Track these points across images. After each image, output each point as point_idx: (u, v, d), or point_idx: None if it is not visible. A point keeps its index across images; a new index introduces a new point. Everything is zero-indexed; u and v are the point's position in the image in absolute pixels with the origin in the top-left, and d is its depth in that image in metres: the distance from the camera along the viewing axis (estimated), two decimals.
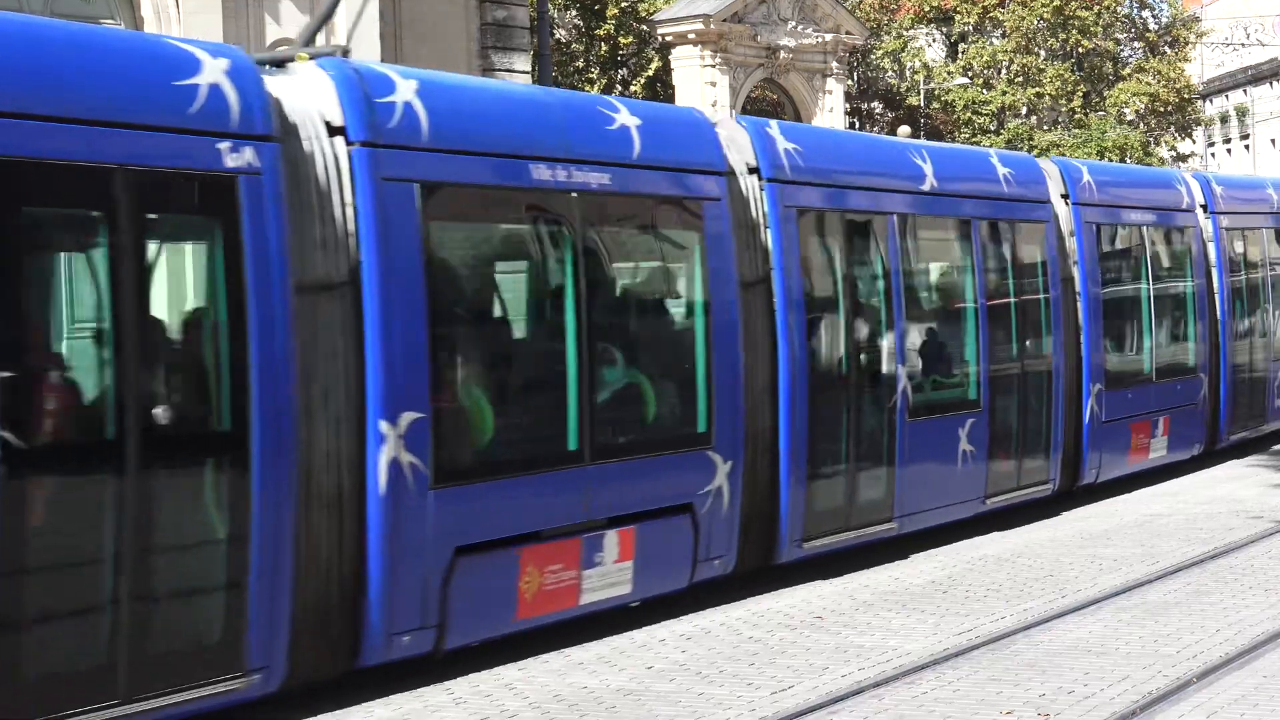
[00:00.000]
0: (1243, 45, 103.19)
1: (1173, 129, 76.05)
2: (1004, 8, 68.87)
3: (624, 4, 49.76)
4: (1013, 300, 17.49)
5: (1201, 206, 22.09)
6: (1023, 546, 15.79)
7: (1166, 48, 75.27)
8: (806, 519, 13.93)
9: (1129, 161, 71.04)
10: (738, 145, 13.87)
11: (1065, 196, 18.82)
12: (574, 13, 51.97)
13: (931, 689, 10.40)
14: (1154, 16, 77.47)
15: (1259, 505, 18.08)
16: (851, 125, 54.72)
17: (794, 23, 43.99)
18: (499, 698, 10.37)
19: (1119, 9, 72.40)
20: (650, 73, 50.34)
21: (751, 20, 43.26)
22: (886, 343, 15.10)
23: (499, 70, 28.94)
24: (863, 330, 15.06)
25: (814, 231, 14.55)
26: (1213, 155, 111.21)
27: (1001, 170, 17.50)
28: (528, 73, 30.09)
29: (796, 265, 13.96)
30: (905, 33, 68.52)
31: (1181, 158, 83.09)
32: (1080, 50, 71.14)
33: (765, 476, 13.53)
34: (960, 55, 72.48)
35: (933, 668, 10.95)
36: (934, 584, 13.97)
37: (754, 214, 13.71)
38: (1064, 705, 9.90)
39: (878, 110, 64.81)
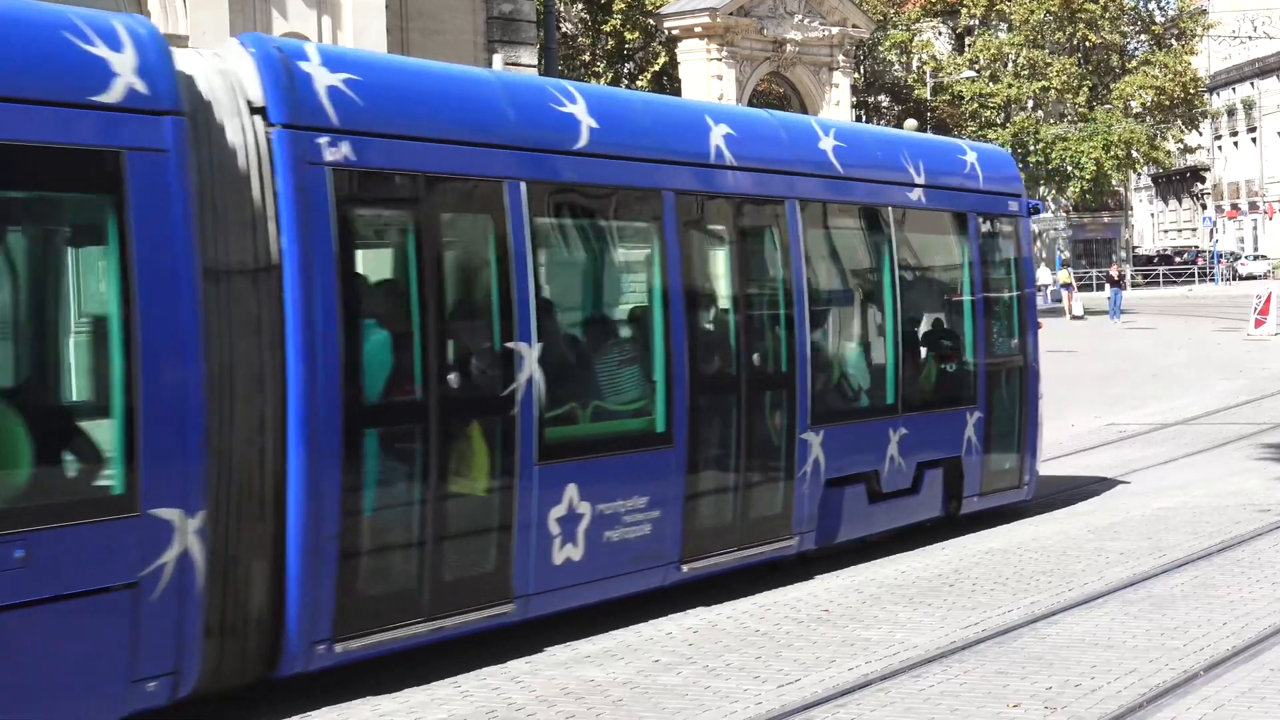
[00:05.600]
0: (1249, 38, 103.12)
1: (1179, 122, 75.91)
2: (1011, 1, 68.78)
3: None
4: None
5: (254, 110, 9.99)
6: (1029, 540, 15.78)
7: (1173, 41, 75.18)
8: None
9: (1136, 157, 71.10)
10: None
11: None
12: (580, 6, 52.00)
13: (938, 682, 10.41)
14: (1160, 9, 77.37)
15: (1266, 498, 18.05)
16: (858, 118, 54.68)
17: (800, 16, 43.97)
18: (505, 690, 10.38)
19: (1126, 2, 72.27)
20: (657, 67, 50.37)
21: (758, 14, 43.26)
22: None
23: (504, 64, 28.95)
24: None
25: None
26: (1219, 148, 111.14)
27: None
28: (534, 66, 30.10)
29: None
30: (912, 26, 68.41)
31: (1188, 150, 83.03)
32: (1087, 44, 71.03)
33: None
34: (967, 48, 72.41)
35: (939, 661, 10.95)
36: (940, 577, 13.97)
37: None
38: (1071, 698, 9.89)
39: (884, 104, 64.76)
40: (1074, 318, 60.84)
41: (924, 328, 16.28)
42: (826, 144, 14.63)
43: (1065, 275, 67.74)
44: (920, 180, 15.73)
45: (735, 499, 13.26)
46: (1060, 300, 65.51)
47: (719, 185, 13.31)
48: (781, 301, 13.79)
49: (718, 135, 13.30)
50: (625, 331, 13.05)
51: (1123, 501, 18.30)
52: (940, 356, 16.30)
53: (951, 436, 16.05)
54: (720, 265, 13.52)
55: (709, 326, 13.29)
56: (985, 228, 16.85)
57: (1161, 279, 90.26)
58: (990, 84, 68.49)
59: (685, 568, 12.78)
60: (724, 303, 13.47)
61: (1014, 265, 17.39)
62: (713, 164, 13.20)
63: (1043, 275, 79.26)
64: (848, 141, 15.03)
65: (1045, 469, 21.16)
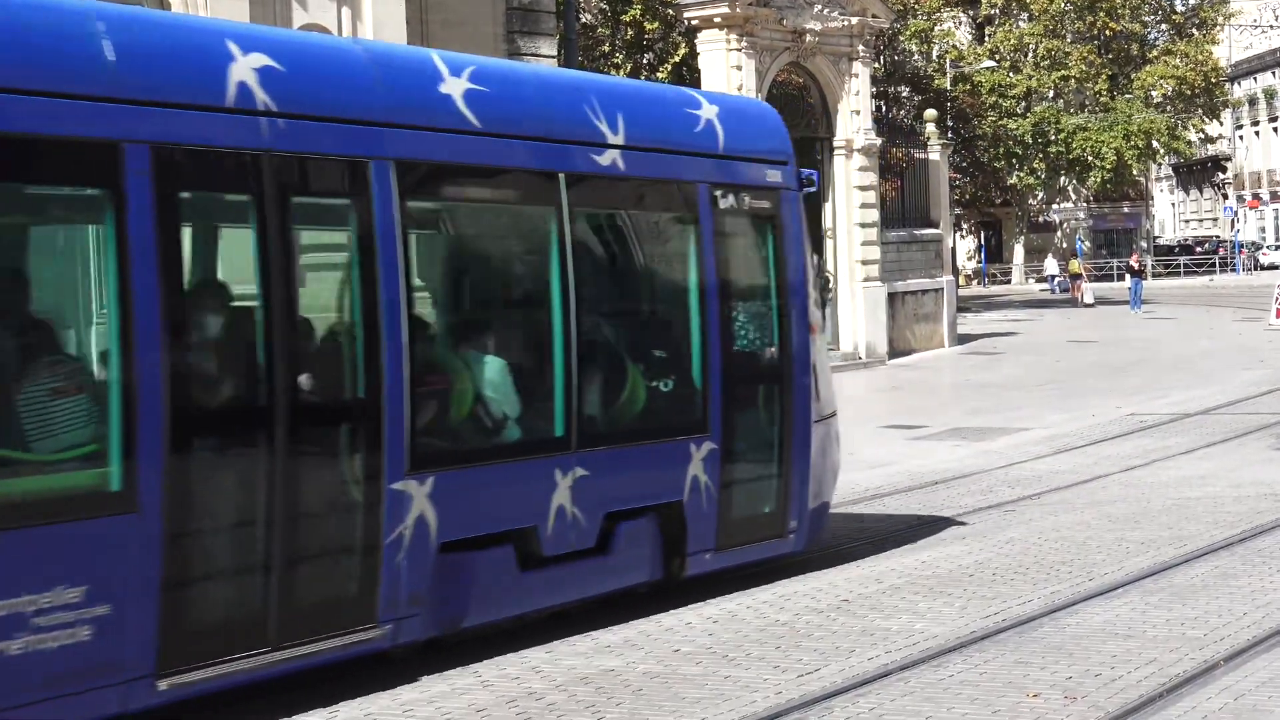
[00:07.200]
0: (1271, 27, 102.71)
1: (1200, 112, 75.78)
2: None
3: None
4: None
5: None
6: (1050, 530, 15.76)
7: (1194, 30, 75.01)
8: None
9: (1157, 146, 70.97)
10: None
11: None
12: None
13: (958, 672, 10.40)
14: None
15: None
16: (878, 108, 54.61)
17: (820, 6, 43.89)
18: (526, 680, 10.40)
19: None
20: (677, 58, 50.33)
21: (777, 4, 43.17)
22: None
23: (524, 55, 28.95)
24: None
25: None
26: (1240, 138, 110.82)
27: None
28: (553, 57, 30.09)
29: None
30: (932, 15, 68.36)
31: (1209, 140, 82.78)
32: (1107, 33, 70.97)
33: None
34: (987, 38, 72.33)
35: (959, 651, 10.95)
36: (961, 567, 13.97)
37: None
38: (1091, 688, 9.89)
39: (904, 93, 64.64)
40: (1084, 305, 61.28)
41: (619, 334, 12.50)
42: (454, 87, 10.83)
43: (1075, 265, 68.00)
44: (617, 140, 11.90)
45: (267, 580, 9.37)
46: (1068, 290, 65.96)
47: (241, 138, 9.44)
48: (357, 301, 10.14)
49: (245, 68, 9.51)
50: (49, 348, 9.05)
51: (1143, 491, 18.26)
52: (647, 372, 12.50)
53: (666, 476, 12.26)
54: (240, 251, 9.77)
55: (215, 337, 9.63)
56: (727, 203, 13.03)
57: (1182, 269, 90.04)
58: (1011, 74, 68.39)
59: (164, 684, 8.85)
60: (246, 302, 9.63)
61: (774, 253, 13.47)
62: (232, 108, 9.42)
63: (1049, 266, 79.49)
64: (493, 85, 11.21)
65: (1061, 461, 21.14)
